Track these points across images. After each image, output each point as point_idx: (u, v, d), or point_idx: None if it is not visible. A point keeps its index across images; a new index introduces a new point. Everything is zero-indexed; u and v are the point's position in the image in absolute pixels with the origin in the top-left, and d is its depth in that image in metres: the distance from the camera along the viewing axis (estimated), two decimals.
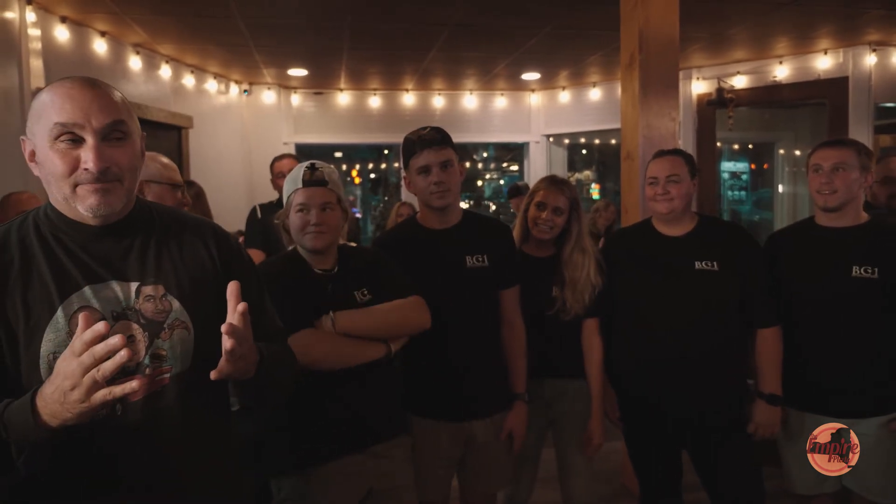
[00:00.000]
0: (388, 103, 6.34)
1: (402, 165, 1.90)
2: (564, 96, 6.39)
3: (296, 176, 1.64)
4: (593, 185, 8.39)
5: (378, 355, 1.62)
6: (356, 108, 6.30)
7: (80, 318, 0.86)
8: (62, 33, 3.70)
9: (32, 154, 1.04)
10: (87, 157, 0.99)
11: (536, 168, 6.72)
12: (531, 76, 5.88)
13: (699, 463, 2.03)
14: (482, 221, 2.02)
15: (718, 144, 5.94)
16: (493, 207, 9.19)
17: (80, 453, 1.01)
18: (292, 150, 6.19)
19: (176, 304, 1.08)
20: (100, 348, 0.83)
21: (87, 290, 1.02)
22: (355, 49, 4.70)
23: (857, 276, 1.87)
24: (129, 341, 1.02)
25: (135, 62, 4.40)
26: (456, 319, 1.83)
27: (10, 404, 0.92)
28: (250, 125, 6.01)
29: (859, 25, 4.29)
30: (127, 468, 1.03)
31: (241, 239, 3.37)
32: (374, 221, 9.50)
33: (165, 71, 4.77)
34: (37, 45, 3.44)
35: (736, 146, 7.79)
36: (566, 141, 7.01)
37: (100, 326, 0.84)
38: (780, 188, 7.09)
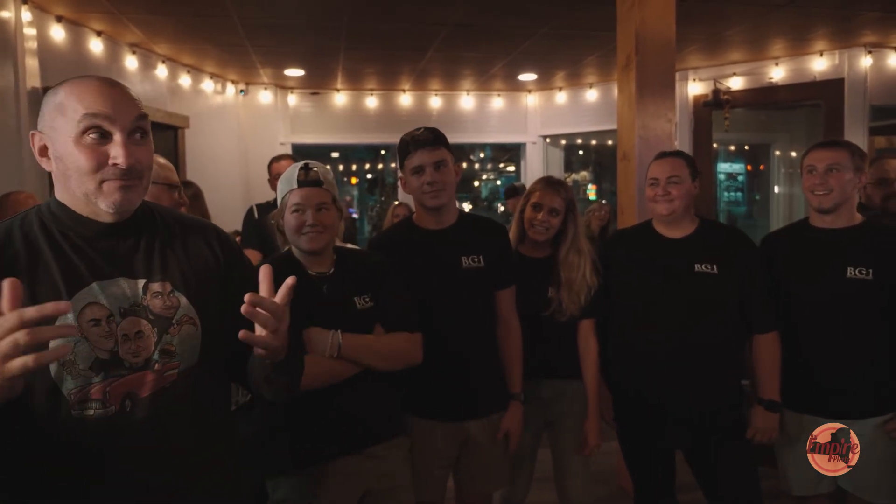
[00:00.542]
0: (385, 104, 6.33)
1: (398, 166, 1.90)
2: (561, 97, 6.40)
3: (290, 176, 1.63)
4: (590, 186, 8.41)
5: (361, 369, 1.62)
6: (353, 109, 6.30)
7: (5, 284, 0.82)
8: (58, 32, 3.69)
9: (44, 149, 1.04)
10: (117, 152, 0.99)
11: (533, 169, 6.73)
12: (528, 77, 5.89)
13: (696, 464, 2.04)
14: (478, 222, 2.02)
15: (715, 146, 5.96)
16: (502, 209, 9.15)
17: (88, 448, 1.01)
18: (289, 150, 6.19)
19: (183, 300, 1.09)
20: (31, 311, 0.80)
21: (94, 286, 1.02)
22: (352, 49, 4.70)
23: (852, 278, 1.87)
24: (138, 337, 1.03)
25: (131, 62, 4.39)
26: (452, 320, 1.83)
27: None
28: (247, 125, 6.00)
29: (855, 27, 4.31)
30: (134, 463, 1.03)
31: (237, 239, 3.36)
32: (371, 222, 9.49)
33: (162, 71, 4.76)
34: (32, 45, 3.43)
35: (732, 147, 7.81)
36: (563, 142, 7.02)
37: (62, 305, 0.82)
38: (776, 189, 7.11)
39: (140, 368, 1.03)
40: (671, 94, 3.01)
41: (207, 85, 5.44)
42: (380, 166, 9.52)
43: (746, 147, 7.79)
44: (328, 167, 1.69)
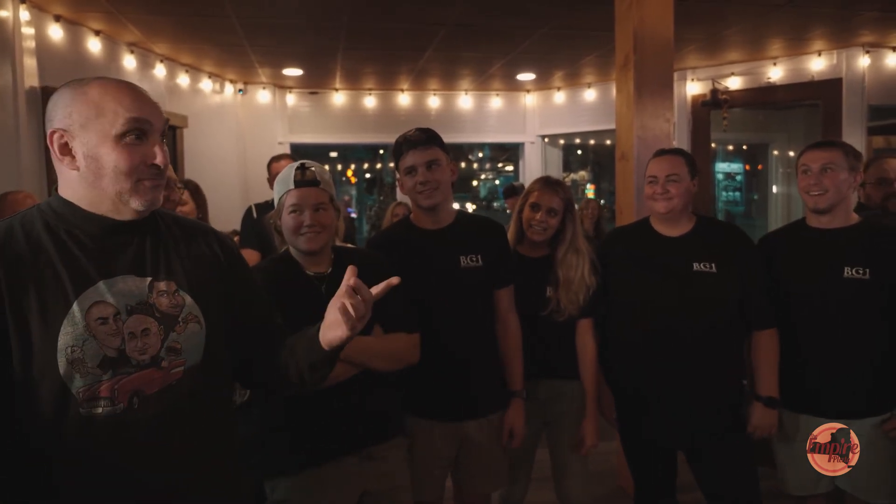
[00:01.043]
0: (384, 103, 6.33)
1: (395, 168, 1.90)
2: (559, 97, 6.40)
3: (287, 177, 1.63)
4: (588, 186, 8.42)
5: (359, 370, 1.62)
6: (351, 108, 6.30)
7: None
8: (56, 32, 3.69)
9: (65, 147, 1.04)
10: (157, 152, 1.05)
11: (532, 168, 6.73)
12: (526, 76, 5.89)
13: (696, 464, 2.04)
14: (476, 221, 2.02)
15: (713, 145, 5.97)
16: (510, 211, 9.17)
17: (96, 446, 1.01)
18: (287, 150, 6.18)
19: (188, 298, 1.11)
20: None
21: (101, 284, 1.03)
22: (351, 49, 4.69)
23: (850, 277, 1.87)
24: (144, 334, 1.04)
25: (129, 61, 4.39)
26: (451, 320, 1.83)
27: None
28: (245, 125, 5.99)
29: (853, 27, 4.32)
30: (140, 461, 1.04)
31: (235, 239, 3.36)
32: (370, 221, 9.50)
33: (160, 70, 4.76)
34: (30, 44, 3.43)
35: (730, 147, 7.82)
36: (561, 141, 7.03)
37: None
38: (775, 189, 7.13)
39: (147, 366, 1.04)
40: (669, 94, 3.01)
41: (206, 84, 5.44)
42: (378, 166, 9.52)
43: (745, 147, 7.81)
44: (326, 167, 1.69)
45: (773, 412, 1.95)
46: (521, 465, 2.17)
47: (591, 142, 7.67)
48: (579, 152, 8.17)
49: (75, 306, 1.00)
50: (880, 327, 1.89)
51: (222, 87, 5.73)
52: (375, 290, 1.11)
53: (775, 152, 7.17)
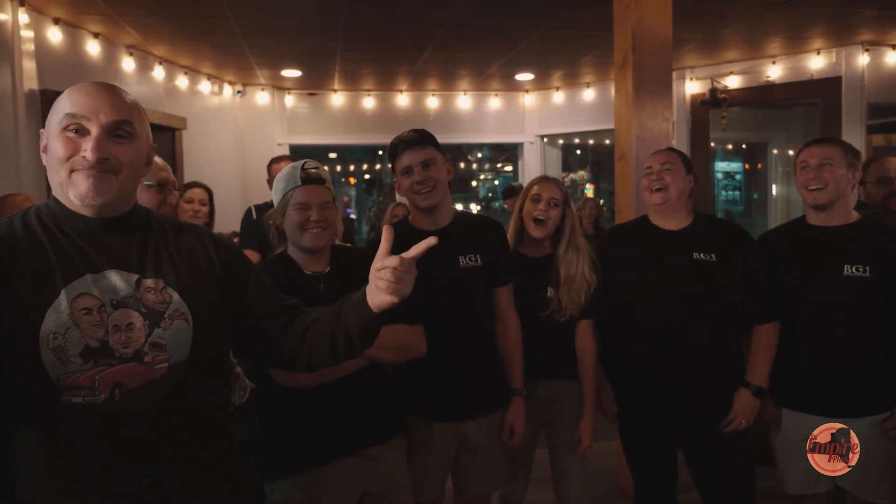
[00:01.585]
0: (382, 104, 6.33)
1: (391, 170, 1.91)
2: (558, 97, 6.40)
3: (291, 175, 1.63)
4: (588, 186, 8.42)
5: (362, 364, 1.61)
6: (350, 109, 6.30)
7: None
8: (55, 35, 3.69)
9: (46, 146, 1.10)
10: (87, 146, 1.06)
11: (531, 168, 6.73)
12: (525, 77, 5.89)
13: (694, 463, 2.04)
14: (474, 221, 2.02)
15: (712, 144, 5.96)
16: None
17: (74, 436, 1.03)
18: (286, 151, 6.18)
19: (176, 296, 1.12)
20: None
21: (88, 277, 1.06)
22: (349, 50, 4.69)
23: (850, 275, 1.87)
24: (129, 328, 1.06)
25: (128, 63, 4.39)
26: (450, 320, 1.83)
27: None
28: (244, 126, 5.99)
29: (852, 25, 4.32)
30: (123, 454, 1.05)
31: (235, 240, 3.36)
32: (369, 222, 9.49)
33: (159, 72, 4.76)
34: (30, 47, 3.43)
35: (730, 146, 7.82)
36: (560, 141, 7.02)
37: None
38: (774, 188, 7.13)
39: (130, 359, 1.05)
40: (668, 94, 3.01)
41: (204, 86, 5.44)
42: (377, 167, 9.52)
43: (744, 146, 7.81)
44: (325, 168, 1.70)
45: (758, 402, 1.95)
46: (521, 464, 2.17)
47: (591, 142, 7.67)
48: (578, 152, 8.17)
49: (62, 295, 1.03)
50: (880, 326, 1.89)
51: (221, 88, 5.73)
52: (413, 251, 1.13)
53: (775, 151, 7.17)
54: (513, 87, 6.37)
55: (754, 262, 1.97)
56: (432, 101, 6.41)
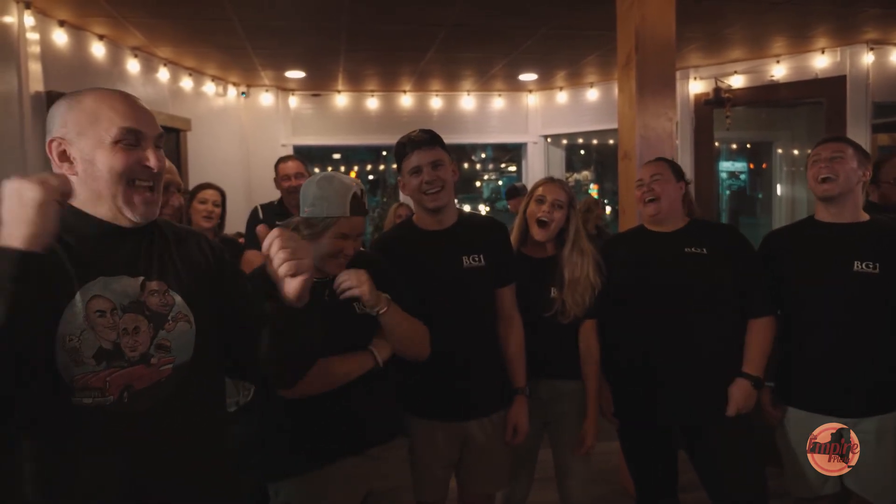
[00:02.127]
0: (386, 105, 6.34)
1: (397, 169, 1.91)
2: (562, 97, 6.39)
3: (340, 202, 1.55)
4: (591, 186, 8.41)
5: (367, 367, 1.62)
6: (354, 110, 6.31)
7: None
8: (60, 37, 3.70)
9: (64, 154, 1.09)
10: (150, 156, 1.11)
11: (535, 168, 6.73)
12: (528, 77, 5.89)
13: (699, 461, 2.03)
14: (478, 221, 2.03)
15: (716, 144, 5.95)
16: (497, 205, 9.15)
17: (85, 439, 1.04)
18: (290, 152, 6.19)
19: (178, 298, 1.15)
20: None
21: (101, 279, 1.08)
22: (352, 51, 4.70)
23: (860, 271, 1.87)
24: (136, 332, 1.08)
25: (133, 65, 4.41)
26: (453, 320, 1.83)
27: None
28: (248, 127, 6.01)
29: (856, 24, 4.30)
30: (129, 454, 1.06)
31: (241, 240, 3.37)
32: (373, 223, 9.49)
33: (163, 74, 4.78)
34: (35, 49, 3.45)
35: (734, 146, 7.80)
36: (564, 141, 7.02)
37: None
38: (779, 187, 7.10)
39: (137, 362, 1.07)
40: (672, 93, 3.01)
41: (209, 87, 5.46)
42: (381, 167, 9.53)
43: (748, 145, 7.78)
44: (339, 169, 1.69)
45: (754, 392, 1.95)
46: (524, 464, 2.17)
47: (594, 142, 7.66)
48: (582, 152, 8.16)
49: (78, 296, 1.04)
50: (885, 324, 1.88)
51: (225, 89, 5.75)
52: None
53: (779, 150, 7.14)
54: (516, 87, 6.37)
55: (747, 257, 2.00)
56: (436, 102, 6.42)
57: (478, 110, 6.54)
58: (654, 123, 2.97)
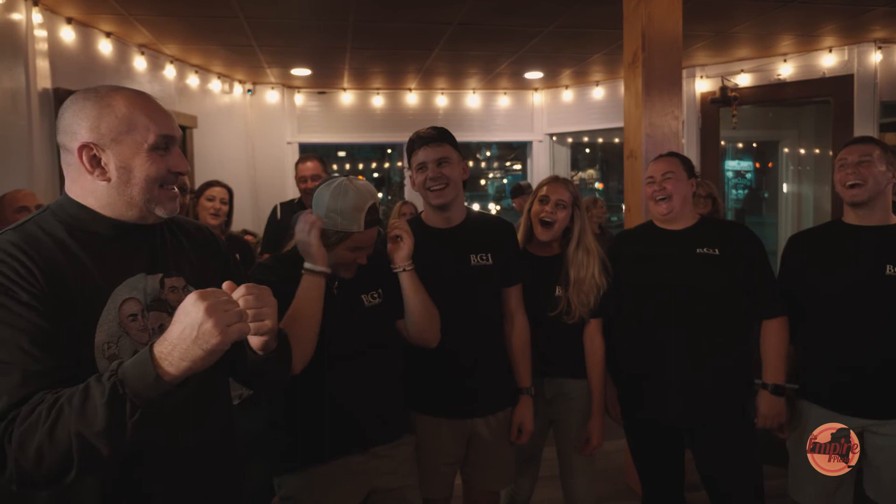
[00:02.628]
0: (392, 103, 6.34)
1: (407, 165, 1.92)
2: (567, 95, 6.38)
3: (355, 216, 1.54)
4: (597, 184, 8.39)
5: (319, 286, 1.54)
6: (359, 108, 6.32)
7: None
8: (68, 34, 3.72)
9: (94, 160, 1.06)
10: (179, 161, 1.12)
11: (540, 167, 6.72)
12: (534, 75, 5.88)
13: (701, 460, 2.03)
14: (486, 220, 2.03)
15: (722, 143, 5.92)
16: (496, 209, 9.17)
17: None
18: (296, 150, 6.21)
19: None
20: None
21: (127, 281, 1.07)
22: (358, 48, 4.71)
23: (892, 275, 1.84)
24: (161, 330, 1.06)
25: (139, 62, 4.42)
26: (460, 317, 1.83)
27: (122, 363, 0.92)
28: (254, 125, 6.02)
29: (864, 23, 4.28)
30: (153, 450, 1.06)
31: (247, 237, 3.38)
32: None
33: (170, 71, 4.79)
34: (43, 46, 3.46)
35: (740, 145, 7.77)
36: (569, 140, 7.00)
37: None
38: (785, 186, 7.07)
39: None
40: (678, 92, 3.00)
41: (215, 85, 5.47)
42: (386, 165, 9.53)
43: (755, 144, 7.75)
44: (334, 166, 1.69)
45: (780, 400, 1.95)
46: (529, 462, 2.17)
47: (600, 140, 7.64)
48: (587, 151, 8.15)
49: (109, 303, 1.04)
50: None
51: (231, 87, 5.76)
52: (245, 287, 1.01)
53: (786, 150, 7.11)
54: (522, 85, 6.36)
55: (758, 257, 1.98)
56: (441, 100, 6.42)
57: (483, 108, 6.54)
58: (661, 122, 2.96)
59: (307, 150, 6.39)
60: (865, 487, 1.91)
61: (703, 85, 5.43)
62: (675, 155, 2.13)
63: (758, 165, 7.96)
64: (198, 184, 3.15)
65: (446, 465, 1.90)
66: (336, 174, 1.84)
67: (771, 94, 5.23)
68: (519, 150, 7.66)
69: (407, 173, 1.95)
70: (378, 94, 6.28)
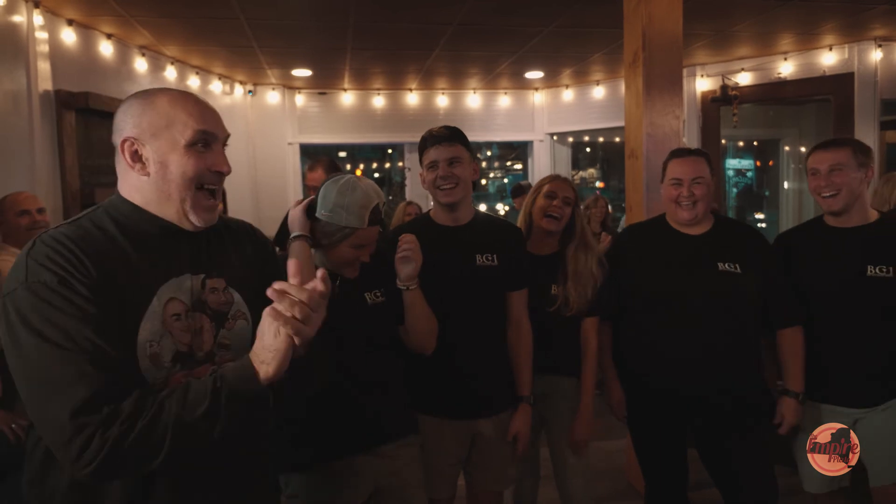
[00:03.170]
0: (392, 103, 6.35)
1: (419, 163, 1.93)
2: (568, 94, 6.38)
3: (360, 213, 1.56)
4: (597, 184, 8.38)
5: (305, 250, 1.58)
6: (360, 108, 6.32)
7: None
8: (69, 36, 3.73)
9: (136, 154, 1.07)
10: (220, 160, 1.10)
11: (540, 166, 6.72)
12: (535, 75, 5.88)
13: (713, 462, 2.02)
14: (494, 222, 2.03)
15: (723, 142, 5.92)
16: (503, 209, 9.16)
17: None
18: (297, 151, 6.21)
19: (237, 295, 1.14)
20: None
21: (173, 281, 1.07)
22: (359, 49, 4.71)
23: (873, 276, 1.86)
24: (201, 331, 1.08)
25: (140, 64, 4.43)
26: (465, 318, 1.84)
27: (224, 366, 0.98)
28: (255, 126, 6.03)
29: (864, 21, 4.28)
30: (190, 452, 1.05)
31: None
32: None
33: (170, 72, 4.80)
34: (44, 48, 3.47)
35: (741, 143, 7.76)
36: (570, 139, 7.01)
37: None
38: (786, 185, 7.07)
39: (204, 361, 1.08)
40: (679, 91, 3.00)
41: (216, 86, 5.48)
42: (387, 165, 9.53)
43: (755, 143, 7.74)
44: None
45: (801, 406, 1.96)
46: (526, 463, 2.18)
47: (600, 139, 7.64)
48: (588, 150, 8.13)
49: (155, 302, 1.04)
50: None
51: (232, 88, 5.77)
52: (311, 285, 0.97)
53: (786, 148, 7.11)
54: (522, 85, 6.37)
55: (774, 267, 1.97)
56: (442, 100, 6.42)
57: (484, 108, 6.54)
58: (661, 121, 2.96)
59: (309, 152, 6.40)
60: (870, 476, 1.93)
61: (703, 84, 5.44)
62: (702, 154, 2.03)
63: (759, 164, 7.95)
64: None
65: (450, 466, 1.90)
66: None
67: (771, 93, 5.23)
68: (520, 150, 7.66)
69: (407, 170, 1.96)
70: (379, 94, 6.28)
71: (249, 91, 5.99)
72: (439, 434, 1.85)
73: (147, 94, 1.10)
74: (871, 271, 1.86)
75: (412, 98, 6.36)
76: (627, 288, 2.07)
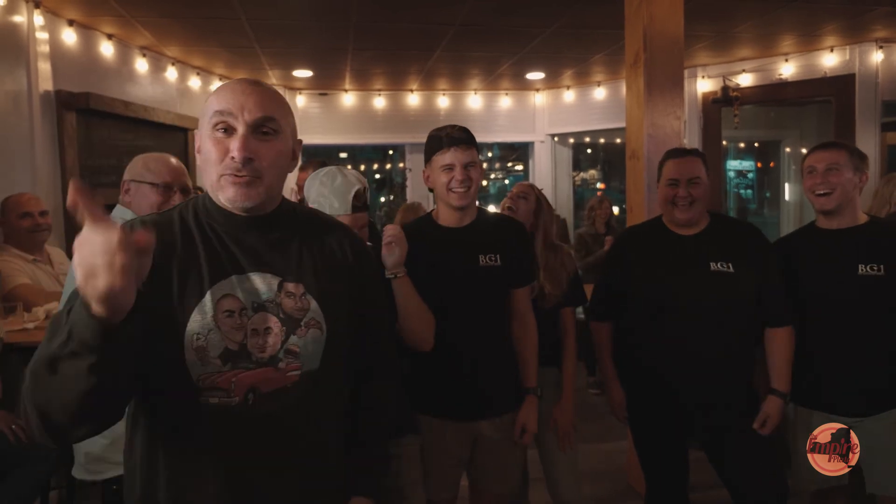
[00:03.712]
0: (393, 104, 6.35)
1: (425, 160, 1.88)
2: (569, 95, 6.39)
3: (343, 199, 1.62)
4: (598, 185, 8.38)
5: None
6: (361, 109, 6.33)
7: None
8: (70, 36, 3.73)
9: (199, 147, 1.10)
10: (234, 145, 1.04)
11: (541, 167, 6.73)
12: (536, 76, 5.88)
13: (721, 462, 2.02)
14: (496, 220, 2.02)
15: (724, 143, 5.92)
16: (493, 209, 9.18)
17: (209, 439, 1.03)
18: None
19: (314, 303, 1.10)
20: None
21: (233, 278, 1.05)
22: (360, 50, 4.71)
23: (864, 275, 1.88)
24: (266, 332, 1.05)
25: (141, 64, 4.43)
26: (467, 318, 1.83)
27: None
28: None
29: (865, 22, 4.28)
30: (246, 458, 1.04)
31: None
32: (380, 222, 9.50)
33: (172, 73, 4.80)
34: (45, 48, 3.47)
35: (742, 144, 7.76)
36: (571, 140, 7.01)
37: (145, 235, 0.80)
38: (787, 186, 7.07)
39: (265, 364, 1.05)
40: (680, 92, 3.00)
41: (217, 86, 5.48)
42: (388, 166, 9.53)
43: (756, 144, 7.74)
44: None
45: (783, 405, 1.96)
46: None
47: (601, 140, 7.63)
48: (589, 151, 8.13)
49: (208, 296, 1.03)
50: (893, 324, 1.88)
51: None
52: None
53: (787, 149, 7.11)
54: (523, 86, 6.37)
55: (769, 266, 1.97)
56: (443, 101, 6.42)
57: (485, 109, 6.54)
58: (662, 122, 2.96)
59: (310, 152, 6.39)
60: (867, 484, 1.94)
61: (704, 85, 5.44)
62: (697, 154, 2.05)
63: (759, 165, 7.95)
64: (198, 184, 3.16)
65: (451, 467, 1.89)
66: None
67: (772, 94, 5.23)
68: (520, 151, 7.66)
69: (408, 171, 1.96)
70: (380, 95, 6.29)
71: None
72: (441, 435, 1.85)
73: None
74: (862, 270, 1.89)
75: (413, 99, 6.36)
76: (626, 290, 2.08)
